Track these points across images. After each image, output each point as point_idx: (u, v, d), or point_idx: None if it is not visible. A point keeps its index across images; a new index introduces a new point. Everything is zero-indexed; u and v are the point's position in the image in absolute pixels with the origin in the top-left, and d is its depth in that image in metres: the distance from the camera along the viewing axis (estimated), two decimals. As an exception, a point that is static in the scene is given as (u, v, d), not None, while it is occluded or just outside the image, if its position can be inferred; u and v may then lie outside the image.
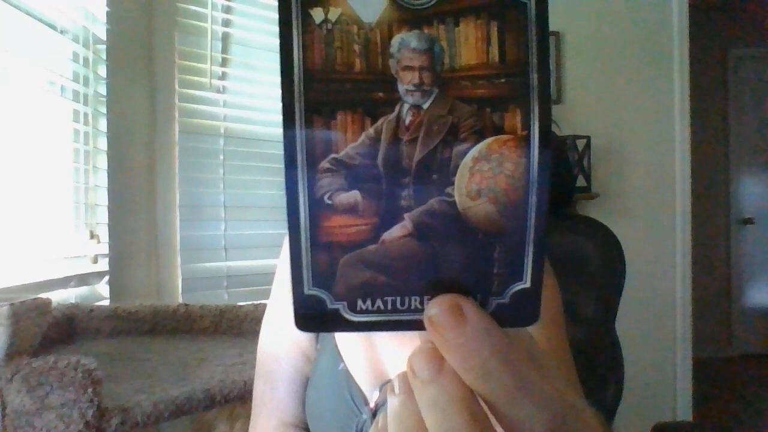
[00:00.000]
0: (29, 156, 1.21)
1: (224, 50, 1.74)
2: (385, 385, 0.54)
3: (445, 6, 0.20)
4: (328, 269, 0.21)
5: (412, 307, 0.21)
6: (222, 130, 1.72)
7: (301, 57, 0.20)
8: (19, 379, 0.73)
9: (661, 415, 2.52)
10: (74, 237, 1.35)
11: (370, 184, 0.21)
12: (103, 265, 1.40)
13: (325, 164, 0.20)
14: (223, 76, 1.73)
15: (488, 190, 0.20)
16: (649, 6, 2.58)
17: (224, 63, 1.73)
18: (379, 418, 0.25)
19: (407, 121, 0.20)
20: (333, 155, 0.20)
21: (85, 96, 1.38)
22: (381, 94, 0.20)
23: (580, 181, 2.39)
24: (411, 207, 0.21)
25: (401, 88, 0.20)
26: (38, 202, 1.25)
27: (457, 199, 0.21)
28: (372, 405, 0.54)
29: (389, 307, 0.21)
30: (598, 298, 1.03)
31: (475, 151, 0.20)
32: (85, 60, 1.38)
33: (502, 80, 0.20)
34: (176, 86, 1.62)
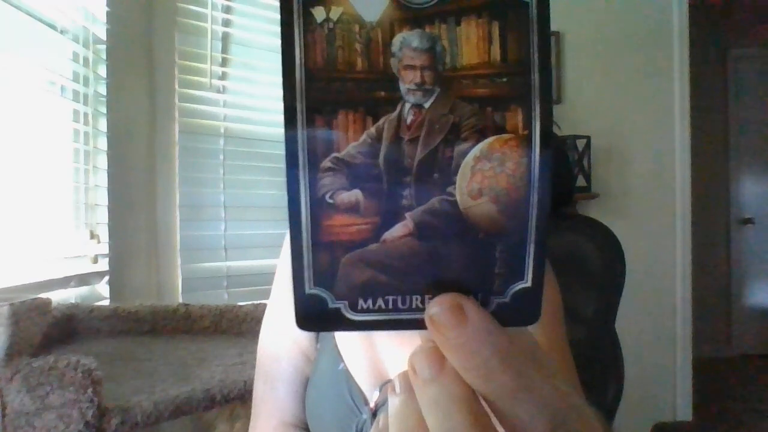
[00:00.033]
0: (29, 156, 1.21)
1: (224, 50, 1.74)
2: (385, 385, 0.54)
3: (447, 5, 0.20)
4: (330, 268, 0.21)
5: (413, 306, 0.21)
6: (222, 130, 1.72)
7: (302, 56, 0.20)
8: (19, 379, 0.73)
9: (661, 415, 2.52)
10: (74, 237, 1.35)
11: (372, 183, 0.21)
12: (103, 265, 1.40)
13: (326, 163, 0.20)
14: (223, 76, 1.73)
15: (489, 190, 0.20)
16: (649, 6, 2.58)
17: (224, 63, 1.74)
18: (380, 417, 0.25)
19: (409, 121, 0.20)
20: (334, 154, 0.20)
21: (85, 96, 1.38)
22: (382, 94, 0.20)
23: (580, 181, 2.39)
24: (412, 206, 0.21)
25: (403, 87, 0.20)
26: (38, 202, 1.25)
27: (458, 198, 0.20)
28: (372, 405, 0.54)
29: (390, 306, 0.21)
30: (598, 298, 1.03)
31: (476, 150, 0.20)
32: (85, 60, 1.38)
33: (504, 79, 0.20)
34: (176, 86, 1.62)
